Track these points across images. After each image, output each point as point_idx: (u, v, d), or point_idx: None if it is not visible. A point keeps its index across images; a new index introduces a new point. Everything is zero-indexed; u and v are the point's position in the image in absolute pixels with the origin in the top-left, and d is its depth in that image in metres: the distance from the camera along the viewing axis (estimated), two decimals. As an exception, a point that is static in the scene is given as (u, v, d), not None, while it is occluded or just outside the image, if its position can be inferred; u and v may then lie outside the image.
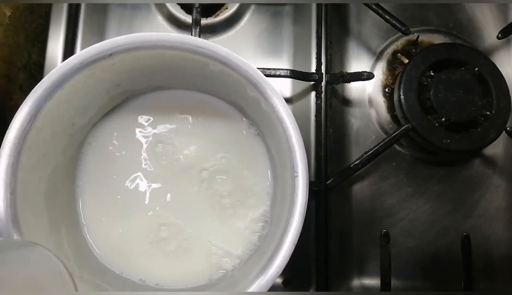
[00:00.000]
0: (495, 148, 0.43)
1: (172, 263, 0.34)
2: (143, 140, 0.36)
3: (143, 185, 0.35)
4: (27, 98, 0.28)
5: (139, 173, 0.35)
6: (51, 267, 0.23)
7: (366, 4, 0.42)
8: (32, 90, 0.28)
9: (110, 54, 0.29)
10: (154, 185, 0.35)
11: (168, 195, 0.35)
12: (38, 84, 0.28)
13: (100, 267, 0.33)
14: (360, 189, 0.41)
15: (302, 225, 0.26)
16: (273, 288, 0.38)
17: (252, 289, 0.26)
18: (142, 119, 0.36)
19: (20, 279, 0.19)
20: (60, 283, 0.22)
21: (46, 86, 0.28)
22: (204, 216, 0.34)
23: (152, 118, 0.36)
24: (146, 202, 0.34)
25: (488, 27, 0.45)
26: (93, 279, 0.31)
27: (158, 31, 0.43)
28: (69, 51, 0.41)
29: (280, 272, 0.26)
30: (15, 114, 0.28)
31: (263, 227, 0.34)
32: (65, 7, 0.41)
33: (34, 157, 0.29)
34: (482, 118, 0.39)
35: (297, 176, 0.28)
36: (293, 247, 0.26)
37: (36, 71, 0.43)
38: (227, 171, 0.35)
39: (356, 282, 0.40)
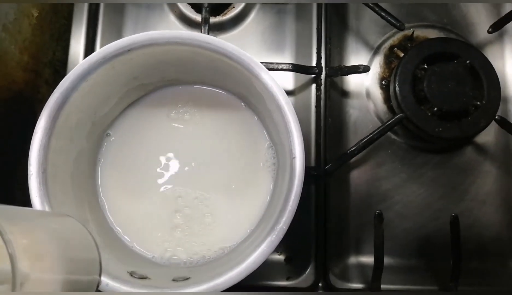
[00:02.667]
0: (487, 136, 0.45)
1: (189, 239, 0.37)
2: (161, 128, 0.39)
3: (160, 167, 0.39)
4: (56, 89, 0.32)
5: (156, 157, 0.39)
6: (83, 237, 0.26)
7: (364, 3, 0.45)
8: (60, 82, 0.32)
9: (129, 50, 0.32)
10: (168, 168, 0.38)
11: (182, 177, 0.38)
12: (66, 76, 0.32)
13: (123, 245, 0.37)
14: (358, 175, 0.44)
15: (300, 194, 0.29)
16: (277, 265, 0.41)
17: (264, 245, 0.29)
18: (159, 111, 0.40)
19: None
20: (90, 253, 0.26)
21: (73, 78, 0.32)
22: (218, 195, 0.38)
23: (167, 110, 0.40)
24: (162, 182, 0.38)
25: (481, 23, 0.48)
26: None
27: (171, 29, 0.47)
28: (89, 49, 0.45)
29: (286, 229, 0.29)
30: (46, 102, 0.31)
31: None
32: (85, 9, 0.45)
33: (62, 142, 0.33)
34: (473, 108, 0.41)
35: (294, 157, 0.31)
36: (295, 210, 0.29)
37: (59, 67, 0.47)
38: (233, 155, 0.39)
39: (353, 260, 0.43)
